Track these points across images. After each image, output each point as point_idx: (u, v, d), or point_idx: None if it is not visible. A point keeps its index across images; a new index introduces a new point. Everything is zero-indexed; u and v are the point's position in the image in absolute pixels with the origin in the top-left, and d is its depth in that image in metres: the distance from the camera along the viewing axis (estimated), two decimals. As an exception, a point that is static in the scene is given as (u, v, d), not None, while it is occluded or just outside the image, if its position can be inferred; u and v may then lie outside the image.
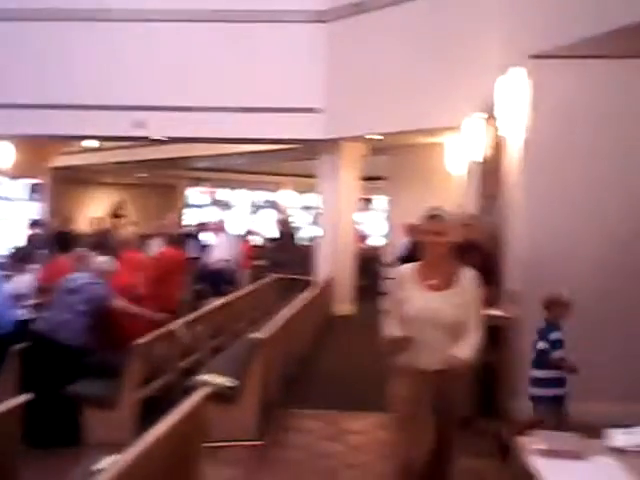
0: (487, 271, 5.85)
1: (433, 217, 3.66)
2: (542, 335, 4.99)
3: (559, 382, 4.90)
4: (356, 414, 6.38)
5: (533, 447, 2.83)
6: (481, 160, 9.20)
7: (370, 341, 10.39)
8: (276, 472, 5.05)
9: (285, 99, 11.23)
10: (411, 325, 3.64)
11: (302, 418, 6.24)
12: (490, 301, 5.87)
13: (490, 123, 8.04)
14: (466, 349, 3.55)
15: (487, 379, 5.79)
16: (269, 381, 6.05)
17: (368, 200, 21.04)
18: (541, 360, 4.93)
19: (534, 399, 4.98)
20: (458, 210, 7.52)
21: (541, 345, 4.95)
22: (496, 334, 6.66)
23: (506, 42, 7.40)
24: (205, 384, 5.10)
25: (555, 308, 5.00)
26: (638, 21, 4.86)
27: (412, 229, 8.58)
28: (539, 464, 2.72)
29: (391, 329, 3.71)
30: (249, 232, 17.04)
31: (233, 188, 22.51)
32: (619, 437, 2.94)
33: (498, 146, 7.73)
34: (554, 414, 4.80)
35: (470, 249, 5.96)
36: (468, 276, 3.73)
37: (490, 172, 8.66)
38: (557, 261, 6.13)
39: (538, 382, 4.95)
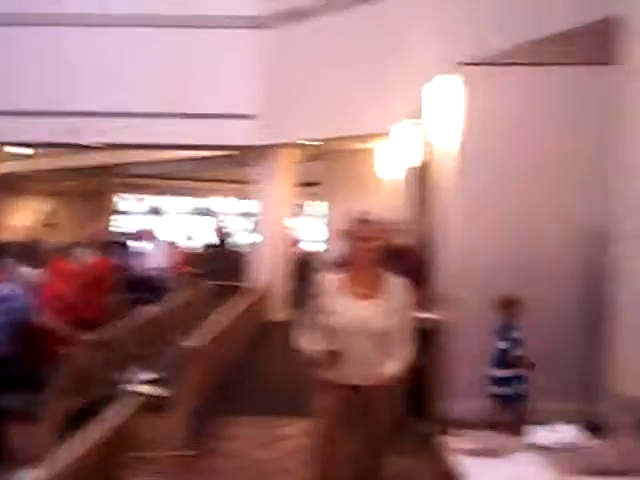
0: (419, 274, 5.94)
1: (362, 221, 3.49)
2: (502, 335, 5.04)
3: (520, 380, 4.97)
4: (291, 420, 6.36)
5: (457, 446, 2.87)
6: (408, 167, 9.34)
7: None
8: (211, 481, 4.98)
9: (220, 105, 11.16)
10: (337, 336, 3.41)
11: (235, 425, 6.19)
12: (422, 304, 5.95)
13: (419, 130, 8.16)
14: (397, 363, 3.43)
15: (418, 381, 5.87)
16: (202, 390, 5.98)
17: (301, 206, 21.10)
18: (503, 359, 4.98)
19: (496, 398, 5.01)
20: (389, 215, 7.57)
21: (502, 345, 4.99)
22: (427, 337, 6.75)
23: (435, 50, 7.53)
24: (135, 394, 5.00)
25: (512, 308, 5.08)
26: (566, 29, 5.00)
27: (341, 234, 8.66)
28: (462, 463, 2.76)
29: (312, 342, 3.51)
30: (184, 239, 16.85)
31: (169, 195, 22.24)
32: (540, 434, 3.01)
33: (428, 152, 7.87)
34: (515, 411, 4.86)
35: (402, 253, 6.03)
36: (398, 283, 3.55)
37: (421, 178, 8.80)
38: (488, 265, 6.24)
39: (500, 381, 4.99)
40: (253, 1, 11.24)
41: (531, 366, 4.90)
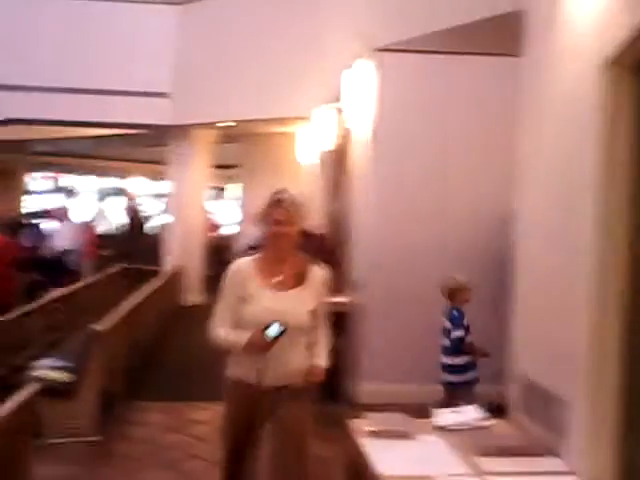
0: (329, 258, 5.97)
1: (278, 202, 3.06)
2: (456, 323, 4.99)
3: (473, 366, 4.99)
4: (202, 404, 6.30)
5: (364, 428, 2.91)
6: (324, 151, 9.36)
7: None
8: (116, 467, 4.88)
9: (132, 82, 10.84)
10: (248, 330, 3.03)
11: (145, 411, 6.09)
12: (334, 288, 5.99)
13: (338, 114, 8.18)
14: (321, 357, 3.15)
15: (331, 364, 5.91)
16: (109, 374, 5.84)
17: (222, 189, 20.87)
18: (458, 347, 4.95)
19: (450, 385, 5.00)
20: (306, 199, 7.56)
21: (458, 333, 4.95)
22: (340, 321, 6.81)
23: (354, 35, 7.55)
24: (38, 380, 4.83)
25: (460, 294, 5.06)
26: (477, 19, 5.09)
27: (256, 217, 8.63)
28: (368, 445, 2.80)
29: (227, 335, 3.14)
30: (95, 220, 16.39)
31: (79, 174, 21.53)
32: (445, 416, 3.08)
33: (345, 136, 7.90)
34: (468, 397, 4.88)
35: (312, 237, 6.04)
36: (318, 272, 3.19)
37: (337, 162, 8.84)
38: (399, 249, 6.32)
39: (456, 369, 4.97)
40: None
41: (486, 355, 4.92)
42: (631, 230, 2.64)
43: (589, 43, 2.77)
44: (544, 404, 2.92)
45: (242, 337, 3.04)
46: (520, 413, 3.16)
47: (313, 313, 3.12)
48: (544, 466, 2.70)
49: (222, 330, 3.16)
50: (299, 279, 3.13)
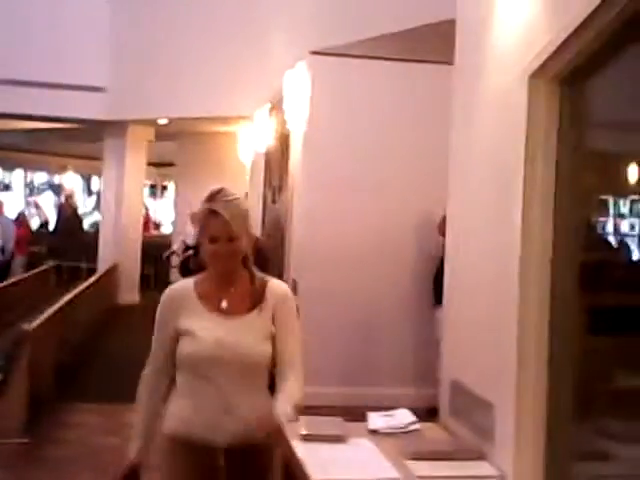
0: (263, 262, 5.98)
1: (212, 214, 2.36)
2: None
3: None
4: (134, 406, 6.21)
5: (296, 432, 2.92)
6: (264, 151, 9.36)
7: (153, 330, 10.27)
8: (45, 471, 4.78)
9: (67, 75, 10.60)
10: (190, 371, 2.41)
11: (77, 412, 5.99)
12: None
13: (278, 115, 8.19)
14: (288, 401, 2.36)
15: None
16: (39, 375, 5.71)
17: (164, 187, 20.61)
18: None
19: None
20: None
21: None
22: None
23: (293, 36, 7.58)
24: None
25: None
26: (407, 28, 5.19)
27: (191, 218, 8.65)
28: (301, 448, 2.81)
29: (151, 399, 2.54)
30: (26, 215, 15.94)
31: (8, 168, 20.90)
32: (378, 419, 3.13)
33: (285, 138, 7.91)
34: None
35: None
36: (278, 290, 2.50)
37: (275, 164, 8.84)
38: (330, 251, 6.37)
39: None
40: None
41: None
42: (555, 238, 2.73)
43: (515, 54, 2.86)
44: (472, 408, 3.00)
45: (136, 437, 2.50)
46: (450, 417, 3.23)
47: (275, 343, 2.42)
48: (473, 470, 2.77)
49: (145, 388, 2.55)
50: (253, 300, 2.43)
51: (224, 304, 2.43)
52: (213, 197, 2.41)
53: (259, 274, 2.49)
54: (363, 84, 6.47)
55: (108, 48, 10.75)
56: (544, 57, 2.64)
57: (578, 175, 2.74)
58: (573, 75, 2.67)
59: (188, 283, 2.50)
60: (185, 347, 2.40)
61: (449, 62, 3.66)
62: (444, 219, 5.74)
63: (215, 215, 2.37)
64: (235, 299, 2.44)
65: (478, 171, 3.23)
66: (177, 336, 2.43)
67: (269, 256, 6.30)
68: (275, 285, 2.51)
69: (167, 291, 2.53)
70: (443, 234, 5.82)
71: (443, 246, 5.71)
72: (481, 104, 3.20)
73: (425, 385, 5.78)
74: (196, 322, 2.40)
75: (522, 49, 2.81)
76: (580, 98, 2.70)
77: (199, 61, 9.86)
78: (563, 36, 2.53)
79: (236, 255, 2.40)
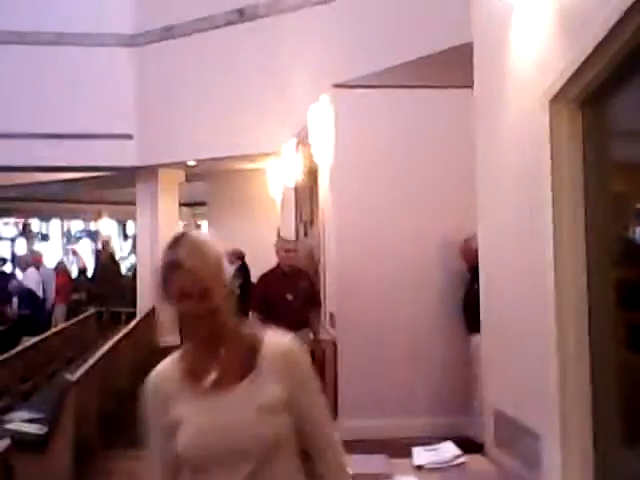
0: (314, 295, 6.00)
1: (174, 265, 1.82)
2: None
3: None
4: (180, 449, 6.22)
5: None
6: (294, 186, 9.42)
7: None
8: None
9: (95, 125, 10.84)
10: (191, 471, 1.87)
11: (123, 460, 5.98)
12: (317, 326, 6.03)
13: (305, 149, 8.26)
14: None
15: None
16: (84, 424, 5.76)
17: (197, 226, 20.82)
18: None
19: None
20: (285, 237, 7.60)
21: None
22: (317, 357, 6.80)
23: (315, 70, 7.67)
24: (10, 433, 4.75)
25: None
26: (427, 54, 5.21)
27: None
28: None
29: None
30: (63, 263, 16.19)
31: (46, 219, 21.34)
32: (423, 455, 3.09)
33: (313, 172, 7.96)
34: None
35: (299, 276, 6.06)
36: (278, 350, 1.88)
37: (305, 198, 8.90)
38: (365, 282, 6.35)
39: None
40: (128, 19, 11.03)
41: None
42: (588, 256, 2.69)
43: (534, 78, 2.85)
44: (517, 438, 2.94)
45: None
46: (496, 447, 3.18)
47: (283, 417, 1.82)
48: (521, 500, 2.72)
49: None
50: (246, 365, 1.85)
51: (211, 377, 1.85)
52: (176, 243, 1.85)
53: (251, 329, 1.92)
54: (386, 113, 6.49)
55: (134, 96, 10.98)
56: (563, 80, 2.63)
57: (606, 192, 2.71)
58: (594, 96, 2.65)
59: (173, 360, 1.95)
60: (177, 445, 1.86)
61: (470, 86, 3.66)
62: (466, 244, 5.78)
63: (179, 266, 1.81)
64: (225, 368, 1.85)
65: (507, 196, 3.21)
66: (170, 432, 1.89)
67: (315, 285, 6.28)
68: (273, 342, 1.88)
69: (149, 380, 1.98)
70: (465, 259, 5.86)
71: (469, 271, 5.75)
72: (504, 129, 3.19)
73: (462, 414, 5.75)
74: (184, 409, 1.87)
75: (540, 72, 2.80)
76: (602, 118, 2.68)
77: (224, 101, 10.01)
78: (581, 58, 2.51)
79: (214, 313, 1.81)
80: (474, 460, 3.12)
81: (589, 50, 2.46)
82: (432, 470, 2.99)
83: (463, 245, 5.91)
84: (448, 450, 3.10)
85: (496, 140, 3.28)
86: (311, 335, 6.03)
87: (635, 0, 2.17)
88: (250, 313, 5.96)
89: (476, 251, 5.77)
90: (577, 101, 2.68)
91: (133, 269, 15.09)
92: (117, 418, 7.09)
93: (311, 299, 6.07)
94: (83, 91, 10.91)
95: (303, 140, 8.17)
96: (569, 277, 2.72)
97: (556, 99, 2.69)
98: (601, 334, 2.68)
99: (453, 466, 3.00)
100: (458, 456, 3.06)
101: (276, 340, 1.90)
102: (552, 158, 2.70)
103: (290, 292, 5.92)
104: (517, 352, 3.06)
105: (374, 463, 3.02)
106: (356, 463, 2.97)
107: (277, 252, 6.32)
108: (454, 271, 6.21)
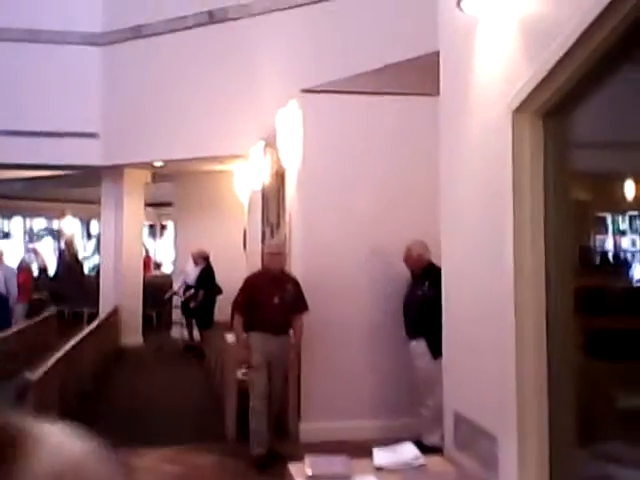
0: (302, 300, 5.95)
1: None
2: None
3: None
4: (139, 450, 6.19)
5: (303, 472, 2.93)
6: (261, 188, 9.44)
7: (157, 372, 10.27)
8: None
9: (60, 123, 10.70)
10: None
11: (83, 460, 5.94)
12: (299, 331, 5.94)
13: (273, 153, 8.28)
14: None
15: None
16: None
17: (163, 227, 20.69)
18: None
19: None
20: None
21: None
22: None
23: (284, 75, 7.71)
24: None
25: None
26: (394, 62, 5.28)
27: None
28: (307, 490, 2.82)
29: None
30: (26, 262, 15.95)
31: (7, 216, 20.99)
32: (382, 456, 3.13)
33: (280, 175, 7.99)
34: None
35: (286, 279, 5.97)
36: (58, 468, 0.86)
37: (272, 200, 8.91)
38: (327, 284, 6.39)
39: None
40: (97, 18, 10.93)
41: None
42: (547, 265, 2.77)
43: (498, 89, 2.93)
44: (476, 439, 3.01)
45: None
46: (455, 448, 3.24)
47: None
48: (479, 500, 2.77)
49: None
50: None
51: None
52: None
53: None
54: (353, 119, 6.55)
55: (101, 95, 10.89)
56: (527, 92, 2.70)
57: (567, 200, 2.79)
58: (556, 108, 2.73)
59: None
60: None
61: (437, 94, 3.72)
62: (407, 250, 5.90)
63: None
64: None
65: (469, 203, 3.28)
66: None
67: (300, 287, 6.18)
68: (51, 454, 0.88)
69: None
70: (407, 265, 5.99)
71: (411, 277, 5.88)
72: (468, 139, 3.26)
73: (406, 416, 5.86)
74: None
75: (505, 83, 2.87)
76: (564, 129, 2.76)
77: (192, 102, 9.98)
78: (544, 70, 2.59)
79: None
80: (433, 461, 3.17)
81: (552, 63, 2.54)
82: (392, 471, 3.04)
83: (405, 251, 6.02)
84: (408, 451, 3.15)
85: (459, 149, 3.35)
86: (292, 340, 5.95)
87: (597, 15, 2.25)
88: (234, 314, 5.86)
89: (418, 257, 5.97)
90: (540, 112, 2.76)
91: (96, 268, 14.94)
92: (77, 418, 7.03)
93: (297, 303, 5.90)
94: (49, 89, 10.78)
95: (271, 143, 8.19)
96: (529, 283, 2.79)
97: (519, 110, 2.77)
98: (559, 338, 2.76)
99: (413, 467, 3.05)
100: (417, 457, 3.11)
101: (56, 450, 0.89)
102: (514, 167, 2.77)
103: (277, 295, 5.78)
104: (476, 356, 3.12)
105: (335, 464, 3.06)
106: (317, 464, 3.02)
107: (263, 255, 6.21)
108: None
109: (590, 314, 3.07)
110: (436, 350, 5.70)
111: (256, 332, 5.72)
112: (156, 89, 10.33)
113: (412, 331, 5.86)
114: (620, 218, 4.43)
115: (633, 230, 4.44)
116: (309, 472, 2.93)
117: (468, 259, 3.25)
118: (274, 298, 5.76)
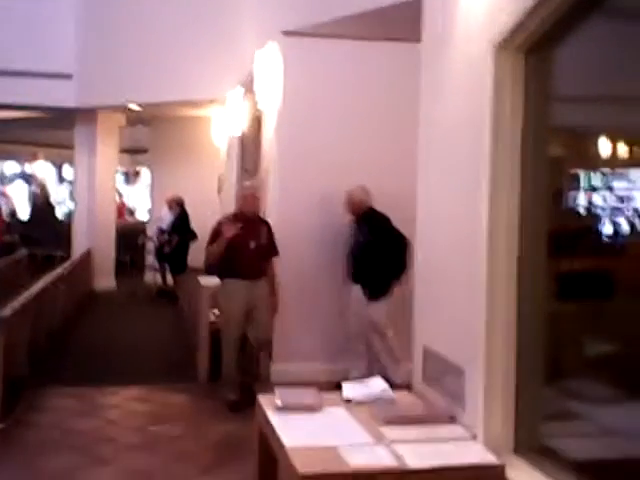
0: (273, 245, 5.92)
1: None
2: None
3: None
4: (112, 389, 6.23)
5: (272, 403, 2.96)
6: (239, 135, 9.33)
7: (130, 315, 10.26)
8: (21, 454, 4.75)
9: (33, 63, 10.45)
10: None
11: (52, 396, 5.96)
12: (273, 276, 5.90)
13: (251, 97, 8.16)
14: None
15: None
16: (14, 361, 5.68)
17: (136, 173, 20.48)
18: None
19: None
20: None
21: None
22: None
23: (263, 16, 7.56)
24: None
25: None
26: (378, 7, 5.20)
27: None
28: (275, 418, 2.85)
29: None
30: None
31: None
32: (351, 389, 3.17)
33: (258, 120, 7.89)
34: None
35: (260, 223, 5.89)
36: None
37: (249, 146, 8.83)
38: (304, 234, 6.37)
39: None
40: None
41: None
42: (522, 205, 2.78)
43: (481, 25, 2.89)
44: (444, 373, 3.05)
45: None
46: (423, 383, 3.29)
47: None
48: (445, 433, 2.82)
49: None
50: None
51: None
52: None
53: None
54: (334, 64, 6.46)
55: (74, 34, 10.62)
56: (509, 27, 2.68)
57: (544, 143, 2.79)
58: (539, 44, 2.71)
59: None
60: None
61: (419, 40, 3.67)
62: (347, 195, 5.88)
63: None
64: None
65: (446, 143, 3.27)
66: None
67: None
68: None
69: None
70: (349, 210, 5.98)
71: (354, 222, 5.88)
72: (449, 76, 3.23)
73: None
74: None
75: (488, 19, 2.84)
76: (546, 66, 2.74)
77: (168, 43, 9.76)
78: (528, 5, 2.56)
79: None
80: (401, 395, 3.22)
81: (535, -3, 2.51)
82: (360, 403, 3.08)
83: (346, 196, 6.00)
84: (376, 385, 3.19)
85: (440, 85, 3.32)
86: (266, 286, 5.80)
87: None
88: (208, 259, 5.78)
89: (359, 202, 5.95)
90: (522, 48, 2.74)
91: (70, 214, 14.79)
92: (47, 357, 7.03)
93: (270, 248, 5.80)
94: (21, 26, 10.49)
95: (249, 87, 8.07)
96: (502, 222, 2.80)
97: (501, 46, 2.74)
98: (530, 277, 2.79)
99: (381, 399, 3.09)
100: (385, 390, 3.15)
101: None
102: (494, 103, 2.76)
103: (253, 239, 5.64)
104: (448, 292, 3.15)
105: (304, 395, 3.09)
106: (287, 395, 3.05)
107: (238, 197, 6.05)
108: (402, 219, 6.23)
109: (560, 255, 3.11)
110: (373, 294, 5.78)
111: (233, 279, 5.61)
112: (132, 28, 10.10)
113: (352, 276, 5.91)
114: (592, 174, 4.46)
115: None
116: (279, 403, 2.96)
117: (443, 195, 3.26)
118: (250, 242, 5.64)
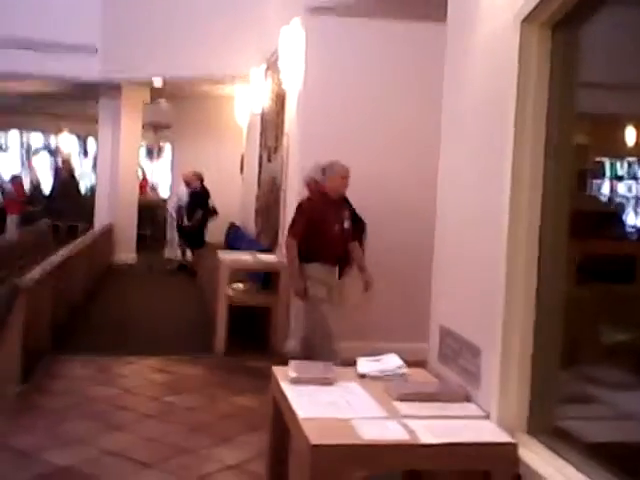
0: (361, 226, 5.85)
1: None
2: None
3: None
4: (129, 359, 6.29)
5: (287, 375, 2.97)
6: (260, 112, 9.31)
7: (149, 289, 10.35)
8: (39, 418, 4.82)
9: (58, 35, 10.45)
10: None
11: (71, 364, 6.04)
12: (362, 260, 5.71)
13: (274, 75, 8.13)
14: None
15: (261, 320, 5.98)
16: (34, 328, 5.75)
17: (159, 149, 20.53)
18: None
19: None
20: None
21: None
22: (272, 279, 6.87)
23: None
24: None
25: None
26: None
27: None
28: (289, 390, 2.86)
29: None
30: (20, 176, 15.86)
31: (4, 129, 20.72)
32: (366, 364, 3.17)
33: (281, 98, 7.87)
34: None
35: (344, 205, 5.66)
36: None
37: (271, 124, 8.81)
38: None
39: None
40: None
41: None
42: (545, 185, 2.75)
43: (505, 1, 2.85)
44: (460, 352, 3.04)
45: None
46: (438, 362, 3.28)
47: None
48: (459, 411, 2.81)
49: None
50: None
51: None
52: None
53: None
54: (359, 42, 6.42)
55: (101, 7, 10.62)
56: (536, 0, 2.63)
57: (570, 113, 2.74)
58: (566, 19, 2.66)
59: None
60: None
61: (445, 20, 3.62)
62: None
63: None
64: None
65: (470, 121, 3.23)
66: None
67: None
68: None
69: None
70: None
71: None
72: (473, 50, 3.19)
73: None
74: None
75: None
76: (573, 41, 2.69)
77: (194, 19, 9.76)
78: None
79: None
80: (416, 372, 3.21)
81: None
82: (374, 378, 3.08)
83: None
84: (391, 361, 3.19)
85: (465, 60, 3.28)
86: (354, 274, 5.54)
87: None
88: (289, 240, 5.37)
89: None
90: (549, 23, 2.69)
91: (92, 188, 14.90)
92: (67, 326, 7.12)
93: (355, 231, 5.49)
94: (49, 1, 10.50)
95: (273, 65, 8.04)
96: (525, 196, 2.76)
97: (527, 20, 2.70)
98: (551, 261, 2.75)
99: (395, 375, 3.09)
100: (401, 367, 3.14)
101: None
102: (519, 78, 2.71)
103: (337, 223, 5.33)
104: (466, 270, 3.13)
105: (318, 369, 3.10)
106: (301, 367, 3.06)
107: (311, 182, 5.71)
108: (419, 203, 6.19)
109: (581, 238, 3.07)
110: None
111: (316, 263, 5.27)
112: (157, 4, 10.10)
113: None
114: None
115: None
116: (292, 374, 2.97)
117: (466, 170, 3.22)
118: (335, 226, 5.33)
